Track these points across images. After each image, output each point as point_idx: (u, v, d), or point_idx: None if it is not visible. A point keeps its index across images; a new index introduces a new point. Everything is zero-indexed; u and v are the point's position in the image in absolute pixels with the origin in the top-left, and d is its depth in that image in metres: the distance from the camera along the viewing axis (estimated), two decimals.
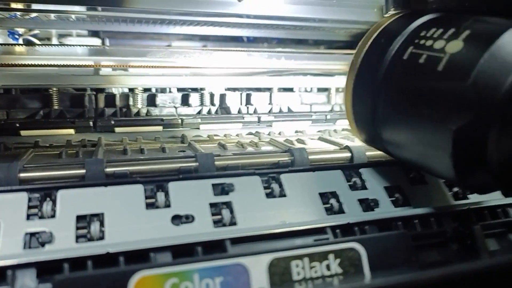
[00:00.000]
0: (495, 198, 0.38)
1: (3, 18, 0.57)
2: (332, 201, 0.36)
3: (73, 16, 0.57)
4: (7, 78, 0.53)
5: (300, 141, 0.50)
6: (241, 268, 0.26)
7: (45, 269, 0.26)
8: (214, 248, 0.29)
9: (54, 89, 0.56)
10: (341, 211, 0.35)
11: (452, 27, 0.29)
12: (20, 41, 0.63)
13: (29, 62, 0.54)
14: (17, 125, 0.51)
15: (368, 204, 0.36)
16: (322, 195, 0.36)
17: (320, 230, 0.32)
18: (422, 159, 0.32)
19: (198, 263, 0.25)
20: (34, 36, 0.65)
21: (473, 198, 0.39)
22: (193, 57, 0.57)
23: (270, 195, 0.35)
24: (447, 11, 0.32)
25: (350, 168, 0.39)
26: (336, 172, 0.39)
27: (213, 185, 0.35)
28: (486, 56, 0.26)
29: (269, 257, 0.27)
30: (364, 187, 0.38)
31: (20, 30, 0.64)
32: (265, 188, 0.36)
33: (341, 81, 0.67)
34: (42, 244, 0.29)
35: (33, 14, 0.57)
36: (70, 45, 0.59)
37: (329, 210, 0.35)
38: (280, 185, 0.36)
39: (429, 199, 0.39)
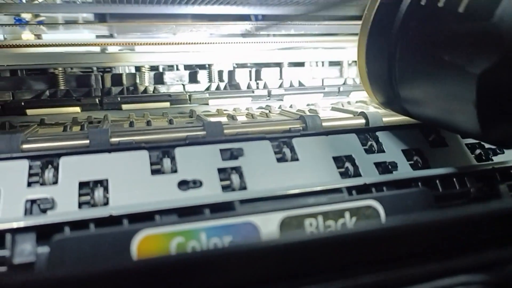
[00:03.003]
0: None
1: (10, 3, 0.56)
2: (347, 164, 0.34)
3: None
4: (12, 58, 0.53)
5: (312, 111, 0.48)
6: (251, 226, 0.24)
7: (45, 233, 0.25)
8: (222, 209, 0.27)
9: (60, 69, 0.55)
10: (356, 174, 0.33)
11: None
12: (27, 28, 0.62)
13: (36, 43, 0.53)
14: (23, 103, 0.50)
15: (385, 167, 0.34)
16: (336, 159, 0.34)
17: (335, 191, 0.30)
18: (443, 114, 0.30)
19: (205, 222, 0.24)
20: (40, 22, 0.64)
21: (497, 159, 0.37)
22: (200, 32, 0.56)
23: (281, 159, 0.33)
24: None
25: (365, 132, 0.37)
26: (350, 135, 0.37)
27: (221, 150, 0.33)
28: None
29: (281, 215, 0.25)
30: (380, 150, 0.36)
31: (27, 17, 0.63)
32: (276, 153, 0.34)
33: (354, 54, 0.65)
34: (44, 211, 0.27)
35: None
36: (76, 22, 0.58)
37: (344, 174, 0.33)
38: (292, 149, 0.34)
39: (450, 161, 0.36)
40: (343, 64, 0.66)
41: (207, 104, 0.56)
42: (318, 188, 0.30)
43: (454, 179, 0.33)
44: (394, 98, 0.33)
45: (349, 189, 0.30)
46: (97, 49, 0.57)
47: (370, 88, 0.36)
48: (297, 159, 0.34)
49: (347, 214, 0.26)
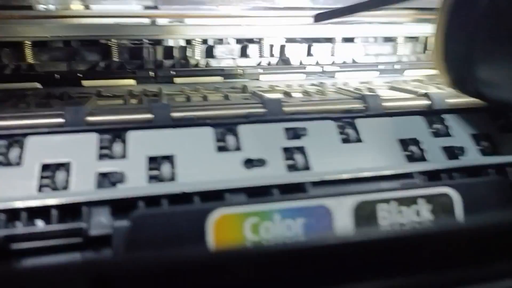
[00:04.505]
0: None
1: None
2: (413, 148, 0.33)
3: None
4: (65, 29, 0.53)
5: (370, 89, 0.47)
6: (324, 210, 0.24)
7: (119, 207, 0.26)
8: (292, 191, 0.27)
9: (113, 40, 0.55)
10: (423, 158, 0.32)
11: None
12: None
13: (89, 14, 0.53)
14: (79, 74, 0.51)
15: (453, 152, 0.33)
16: (402, 142, 0.33)
17: (406, 175, 0.29)
18: None
19: (279, 203, 0.24)
20: None
21: None
22: (251, 3, 0.54)
23: (345, 140, 0.33)
24: None
25: (431, 114, 0.36)
26: (415, 118, 0.35)
27: (285, 129, 0.33)
28: None
29: (354, 199, 0.24)
30: (447, 134, 0.34)
31: None
32: (339, 133, 0.33)
33: (410, 29, 0.62)
34: (114, 184, 0.28)
35: None
36: None
37: (410, 158, 0.32)
38: (356, 130, 0.33)
39: None
40: (398, 40, 0.63)
41: (258, 79, 0.56)
42: (388, 172, 0.29)
43: None
44: (467, 79, 0.32)
45: (421, 174, 0.29)
46: (146, 21, 0.56)
47: (443, 66, 0.35)
48: (360, 141, 0.33)
49: (421, 201, 0.25)
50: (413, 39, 0.65)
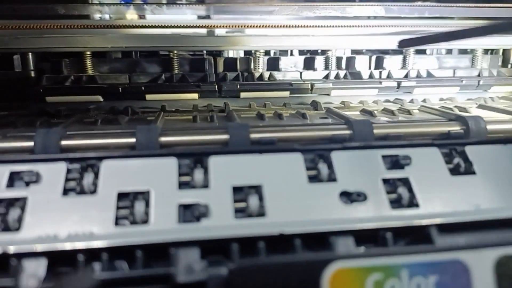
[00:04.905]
0: None
1: None
2: None
3: None
4: (124, 40, 0.51)
5: (460, 109, 0.42)
6: (460, 266, 0.20)
7: (208, 248, 0.22)
8: (409, 235, 0.23)
9: (175, 52, 0.53)
10: None
11: None
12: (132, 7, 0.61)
13: (150, 24, 0.51)
14: (142, 88, 0.49)
15: None
16: None
17: None
18: None
19: (406, 256, 0.19)
20: (145, 1, 0.62)
21: None
22: (323, 13, 0.51)
23: (454, 171, 0.28)
24: None
25: None
26: None
27: (384, 156, 0.29)
28: None
29: (495, 253, 0.20)
30: None
31: None
32: (446, 162, 0.29)
33: (489, 41, 0.56)
34: (198, 218, 0.24)
35: None
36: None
37: None
38: (466, 160, 0.29)
39: None
40: (477, 53, 0.58)
41: (329, 94, 0.52)
42: None
43: None
44: None
45: None
46: (203, 31, 0.54)
47: None
48: (473, 173, 0.28)
49: None
50: (492, 51, 0.60)
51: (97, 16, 0.54)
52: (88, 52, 0.52)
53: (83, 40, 0.50)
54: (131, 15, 0.59)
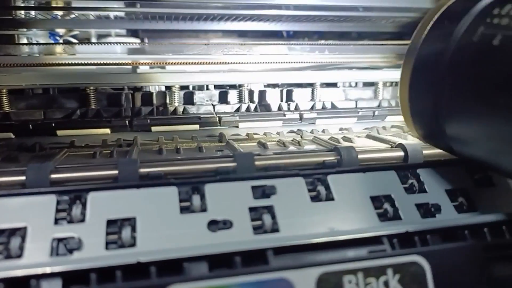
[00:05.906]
0: None
1: (44, 19, 0.56)
2: (386, 205, 0.32)
3: (111, 14, 0.56)
4: (45, 77, 0.53)
5: (346, 139, 0.46)
6: (286, 283, 0.23)
7: (71, 279, 0.24)
8: (254, 258, 0.26)
9: (92, 88, 0.55)
10: (396, 217, 0.31)
11: None
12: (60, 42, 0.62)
13: (68, 62, 0.53)
14: (53, 124, 0.50)
15: (427, 209, 0.32)
16: (374, 199, 0.32)
17: (375, 240, 0.28)
18: (495, 156, 0.28)
19: (237, 277, 0.22)
20: (74, 36, 0.64)
21: None
22: (231, 52, 0.54)
23: (315, 198, 0.32)
24: None
25: (405, 169, 0.35)
26: (389, 173, 0.35)
27: (253, 187, 0.32)
28: None
29: (318, 271, 0.23)
30: (422, 190, 0.34)
31: (61, 31, 0.63)
32: (309, 190, 0.32)
33: (389, 75, 0.62)
34: (70, 251, 0.26)
35: (73, 15, 0.56)
36: (108, 43, 0.58)
37: (383, 216, 0.31)
38: (327, 187, 0.32)
39: (498, 203, 0.34)
40: (378, 85, 0.63)
41: (237, 127, 0.55)
42: (357, 236, 0.28)
43: (504, 227, 0.30)
44: (438, 134, 0.31)
45: (390, 238, 0.28)
46: (128, 68, 0.56)
47: (411, 121, 0.34)
48: (332, 199, 0.32)
49: (389, 271, 0.24)
50: (393, 84, 0.65)
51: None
52: (4, 90, 0.53)
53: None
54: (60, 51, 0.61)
